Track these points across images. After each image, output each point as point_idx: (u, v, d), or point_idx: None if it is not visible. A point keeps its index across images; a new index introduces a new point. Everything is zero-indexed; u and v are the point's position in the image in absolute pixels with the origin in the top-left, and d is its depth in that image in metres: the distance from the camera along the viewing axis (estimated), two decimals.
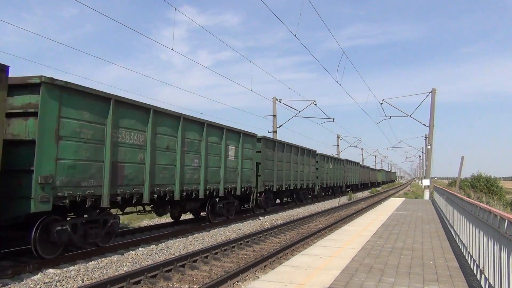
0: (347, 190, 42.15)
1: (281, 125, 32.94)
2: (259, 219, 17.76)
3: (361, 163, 54.69)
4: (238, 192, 16.08)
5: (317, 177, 28.85)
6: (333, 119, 35.70)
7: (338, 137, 59.66)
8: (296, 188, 24.30)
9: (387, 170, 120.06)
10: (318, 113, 70.48)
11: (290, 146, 23.21)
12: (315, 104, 32.19)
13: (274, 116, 32.48)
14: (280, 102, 32.20)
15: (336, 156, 40.86)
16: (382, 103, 34.30)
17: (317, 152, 29.04)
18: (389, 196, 41.37)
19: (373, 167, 76.66)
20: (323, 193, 32.91)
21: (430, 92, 32.96)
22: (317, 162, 28.87)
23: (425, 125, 34.06)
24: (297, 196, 26.12)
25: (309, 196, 28.99)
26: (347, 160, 41.82)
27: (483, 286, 6.40)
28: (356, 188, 48.01)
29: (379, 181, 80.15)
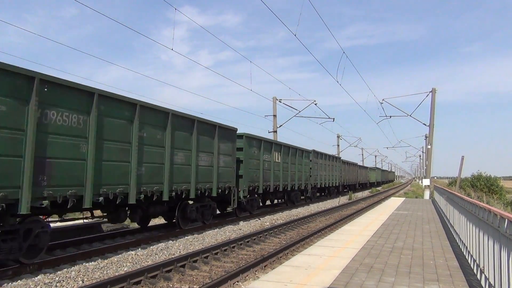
0: (322, 194, 33.72)
1: (281, 125, 32.98)
2: (259, 219, 17.75)
3: (343, 158, 41.81)
4: None
5: (241, 177, 16.44)
6: (333, 119, 35.69)
7: (338, 137, 59.71)
8: (173, 197, 11.60)
9: (384, 169, 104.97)
10: (318, 113, 70.49)
11: (151, 111, 10.80)
12: (315, 104, 32.16)
13: (274, 116, 32.49)
14: (280, 102, 32.24)
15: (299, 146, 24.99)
16: (382, 103, 34.37)
17: (242, 133, 16.91)
18: (389, 196, 41.38)
19: (362, 165, 62.17)
20: (260, 203, 20.84)
21: (430, 92, 33.00)
22: (241, 149, 16.54)
23: (425, 125, 34.12)
24: (189, 213, 13.17)
25: (228, 209, 17.54)
26: (316, 152, 28.89)
27: (483, 285, 6.40)
28: (336, 191, 37.07)
29: (373, 182, 66.62)
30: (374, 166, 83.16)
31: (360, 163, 61.40)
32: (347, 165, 42.51)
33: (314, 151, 28.21)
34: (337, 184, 35.98)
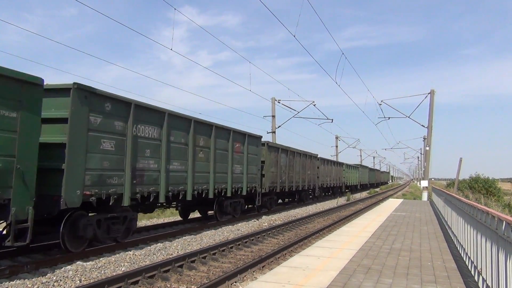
0: (231, 213, 16.19)
1: (280, 126, 32.97)
2: (257, 219, 17.75)
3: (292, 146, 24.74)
4: None
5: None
6: (332, 120, 35.60)
7: (336, 138, 59.76)
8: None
9: (374, 168, 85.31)
10: (317, 114, 70.59)
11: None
12: (314, 105, 32.10)
13: (273, 116, 32.48)
14: (279, 102, 32.24)
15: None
16: (381, 104, 34.38)
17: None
18: (387, 197, 41.48)
19: (336, 160, 42.43)
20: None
21: (428, 93, 33.03)
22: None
23: (423, 126, 34.16)
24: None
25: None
26: (172, 116, 11.79)
27: (480, 287, 6.41)
28: (273, 203, 21.82)
29: (354, 184, 48.09)
30: (358, 163, 63.12)
31: (357, 162, 60.62)
32: (293, 156, 24.29)
33: (170, 114, 11.83)
34: (261, 190, 18.98)
